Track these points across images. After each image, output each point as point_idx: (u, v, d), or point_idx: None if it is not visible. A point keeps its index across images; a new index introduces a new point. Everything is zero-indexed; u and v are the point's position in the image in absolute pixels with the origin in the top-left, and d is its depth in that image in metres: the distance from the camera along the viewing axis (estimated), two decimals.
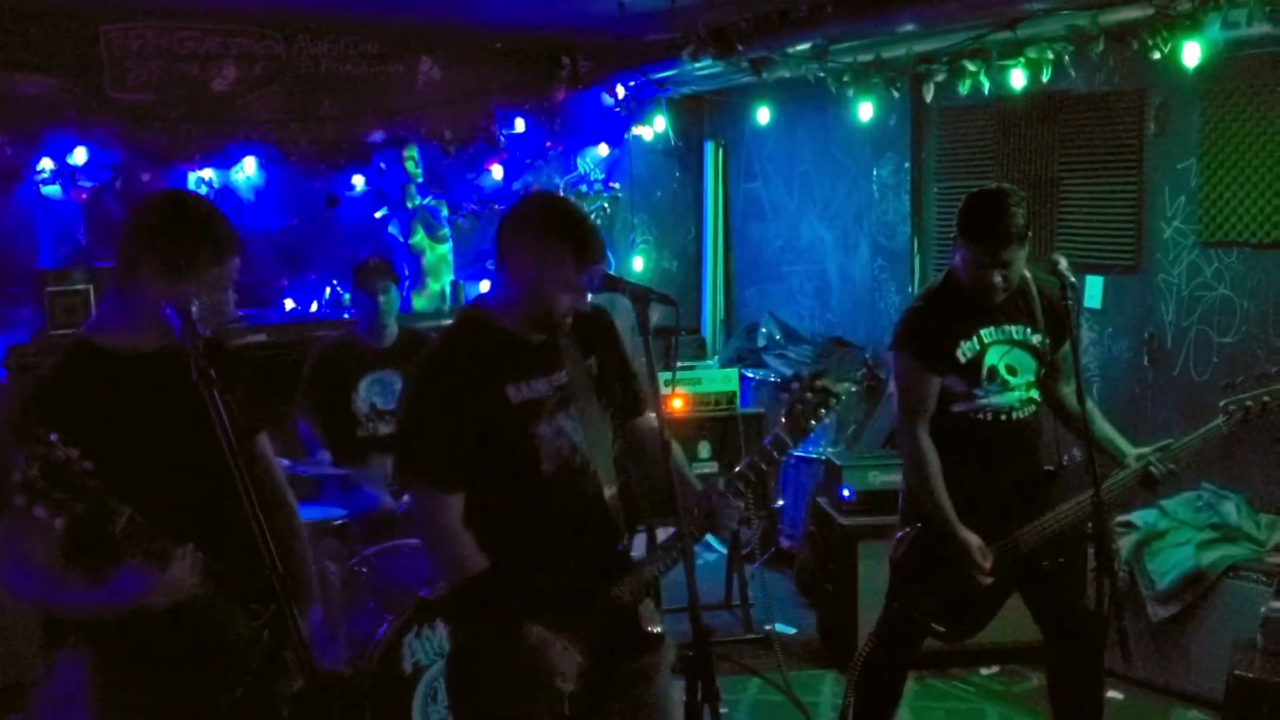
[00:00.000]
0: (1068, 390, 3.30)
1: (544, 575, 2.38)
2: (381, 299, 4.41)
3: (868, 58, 4.93)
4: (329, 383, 4.46)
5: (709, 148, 7.20)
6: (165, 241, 2.12)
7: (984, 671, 4.45)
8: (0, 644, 4.11)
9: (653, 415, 2.50)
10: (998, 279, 3.12)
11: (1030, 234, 3.11)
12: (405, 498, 4.16)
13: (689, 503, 2.44)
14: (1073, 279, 3.01)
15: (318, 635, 2.34)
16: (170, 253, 2.11)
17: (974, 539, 3.14)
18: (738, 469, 2.49)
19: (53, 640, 3.95)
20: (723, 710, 2.12)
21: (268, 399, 2.59)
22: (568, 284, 2.33)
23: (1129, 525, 4.30)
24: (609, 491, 2.47)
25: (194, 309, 2.04)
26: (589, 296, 2.40)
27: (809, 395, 2.50)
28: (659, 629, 2.46)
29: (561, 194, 6.23)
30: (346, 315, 5.60)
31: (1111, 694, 4.03)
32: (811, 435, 2.62)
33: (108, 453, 1.93)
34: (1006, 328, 3.23)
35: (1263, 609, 3.36)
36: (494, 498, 2.39)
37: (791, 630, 4.95)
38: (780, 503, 5.61)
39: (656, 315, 2.28)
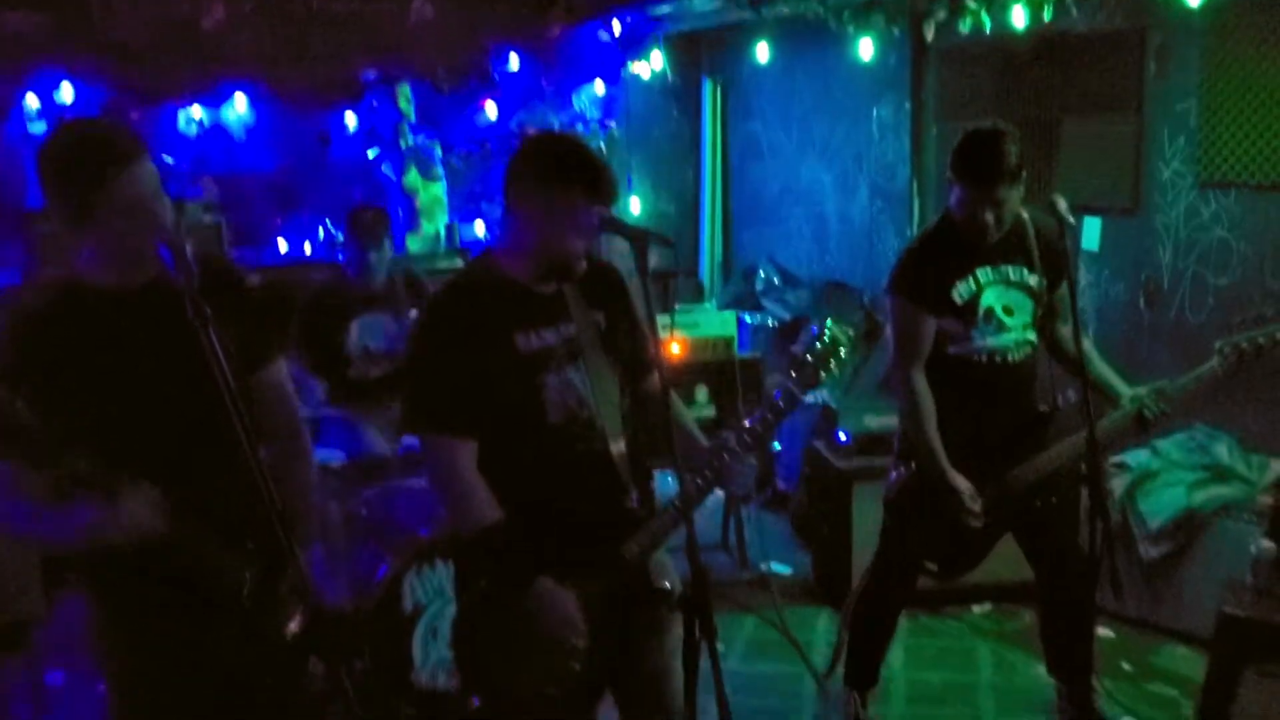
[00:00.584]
0: (1065, 331, 3.29)
1: (550, 528, 2.35)
2: (373, 255, 4.37)
3: None
4: (320, 325, 4.44)
5: (707, 86, 7.07)
6: (53, 186, 1.99)
7: (976, 609, 4.49)
8: (1, 582, 4.13)
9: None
10: (990, 218, 3.09)
11: (1024, 173, 3.07)
12: (405, 440, 4.18)
13: (697, 460, 2.40)
14: (1071, 220, 2.99)
15: (318, 573, 2.33)
16: (62, 199, 2.00)
17: (964, 484, 3.16)
18: (748, 424, 2.42)
19: (53, 579, 3.98)
20: (719, 648, 2.14)
21: (274, 328, 2.51)
22: (580, 226, 2.28)
23: (1122, 466, 4.33)
24: (616, 447, 2.43)
25: (188, 246, 2.00)
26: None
27: (819, 345, 2.45)
28: (669, 584, 2.40)
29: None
30: (340, 258, 5.57)
31: (1103, 631, 4.09)
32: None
33: (90, 392, 1.90)
34: (1003, 268, 3.21)
35: (1253, 548, 3.38)
36: (498, 448, 2.36)
37: (787, 570, 4.99)
38: (777, 446, 5.63)
39: (654, 258, 2.20)
